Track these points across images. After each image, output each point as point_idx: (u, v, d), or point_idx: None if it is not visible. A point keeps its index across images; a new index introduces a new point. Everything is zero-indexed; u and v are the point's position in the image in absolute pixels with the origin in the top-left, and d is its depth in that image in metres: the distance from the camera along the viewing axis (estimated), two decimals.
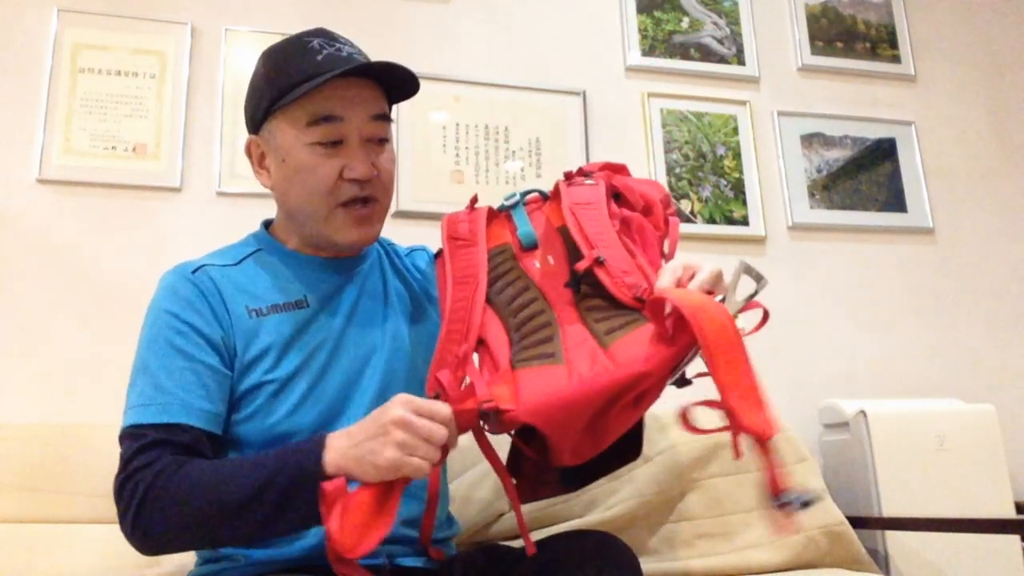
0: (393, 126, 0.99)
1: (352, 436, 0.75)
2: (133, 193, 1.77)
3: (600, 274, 0.81)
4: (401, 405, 0.73)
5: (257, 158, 0.98)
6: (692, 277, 0.77)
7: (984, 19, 2.56)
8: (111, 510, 1.37)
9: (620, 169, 1.01)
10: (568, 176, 0.96)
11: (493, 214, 0.97)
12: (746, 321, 0.76)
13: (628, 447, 0.88)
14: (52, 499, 1.36)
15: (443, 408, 0.74)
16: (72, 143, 1.76)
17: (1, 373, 1.61)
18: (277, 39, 0.98)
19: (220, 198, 1.82)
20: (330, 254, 0.99)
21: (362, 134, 0.92)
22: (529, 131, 2.06)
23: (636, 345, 0.74)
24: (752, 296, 0.76)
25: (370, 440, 0.73)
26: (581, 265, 0.82)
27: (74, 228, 1.72)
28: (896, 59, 2.43)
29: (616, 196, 0.93)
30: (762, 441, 0.70)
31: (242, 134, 1.86)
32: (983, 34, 2.54)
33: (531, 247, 0.90)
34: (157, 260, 1.74)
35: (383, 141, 0.95)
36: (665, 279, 0.78)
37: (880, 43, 2.43)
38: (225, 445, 0.89)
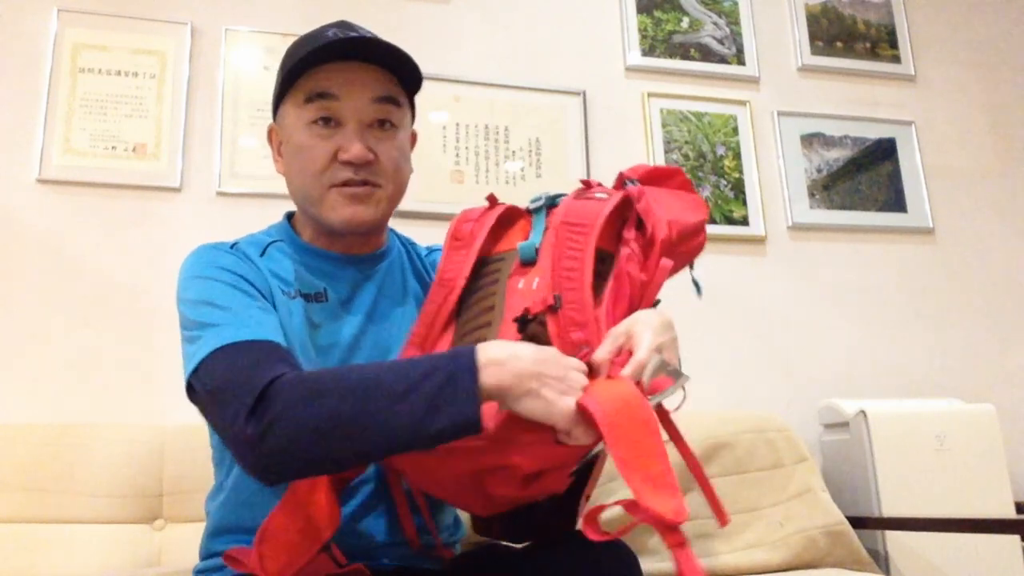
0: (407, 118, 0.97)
1: (521, 357, 0.69)
2: (133, 193, 1.77)
3: (550, 322, 0.76)
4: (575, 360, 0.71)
5: (276, 146, 0.98)
6: (631, 352, 0.74)
7: (984, 19, 2.57)
8: (111, 510, 1.39)
9: (669, 175, 0.89)
10: (586, 185, 0.90)
11: (519, 213, 0.93)
12: (670, 403, 0.74)
13: (562, 518, 0.82)
14: (52, 499, 1.36)
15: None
16: (72, 143, 1.76)
17: (1, 373, 1.61)
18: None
19: (220, 198, 1.82)
20: (343, 248, 0.97)
21: (361, 117, 0.90)
22: (529, 131, 2.06)
23: (529, 428, 0.68)
24: (673, 391, 0.73)
25: (551, 377, 0.68)
26: (533, 307, 0.77)
27: (74, 228, 1.72)
28: (896, 59, 2.43)
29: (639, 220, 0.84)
30: (670, 527, 0.63)
31: (242, 134, 1.87)
32: (983, 34, 2.54)
33: (528, 263, 0.85)
34: (157, 260, 1.74)
35: (386, 125, 0.92)
36: (606, 348, 0.74)
37: (880, 43, 2.43)
38: None
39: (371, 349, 0.94)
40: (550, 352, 0.71)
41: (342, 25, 0.94)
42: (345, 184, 0.90)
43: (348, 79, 0.89)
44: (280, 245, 0.97)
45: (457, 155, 2.00)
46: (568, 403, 0.67)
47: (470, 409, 0.66)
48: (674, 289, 2.08)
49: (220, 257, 0.89)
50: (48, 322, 1.66)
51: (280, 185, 1.95)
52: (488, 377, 0.67)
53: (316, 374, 0.73)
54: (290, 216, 1.03)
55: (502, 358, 0.69)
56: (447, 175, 1.98)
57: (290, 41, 0.97)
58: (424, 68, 2.06)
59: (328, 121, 0.90)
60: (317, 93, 0.89)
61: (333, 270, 0.96)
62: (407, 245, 1.09)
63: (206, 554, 0.93)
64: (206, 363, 0.76)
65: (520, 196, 2.01)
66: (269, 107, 1.94)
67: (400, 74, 0.94)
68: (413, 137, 1.02)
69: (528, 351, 0.70)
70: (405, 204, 1.95)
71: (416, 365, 0.70)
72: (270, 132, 1.00)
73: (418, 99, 1.01)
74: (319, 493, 0.74)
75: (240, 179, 1.83)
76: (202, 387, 0.77)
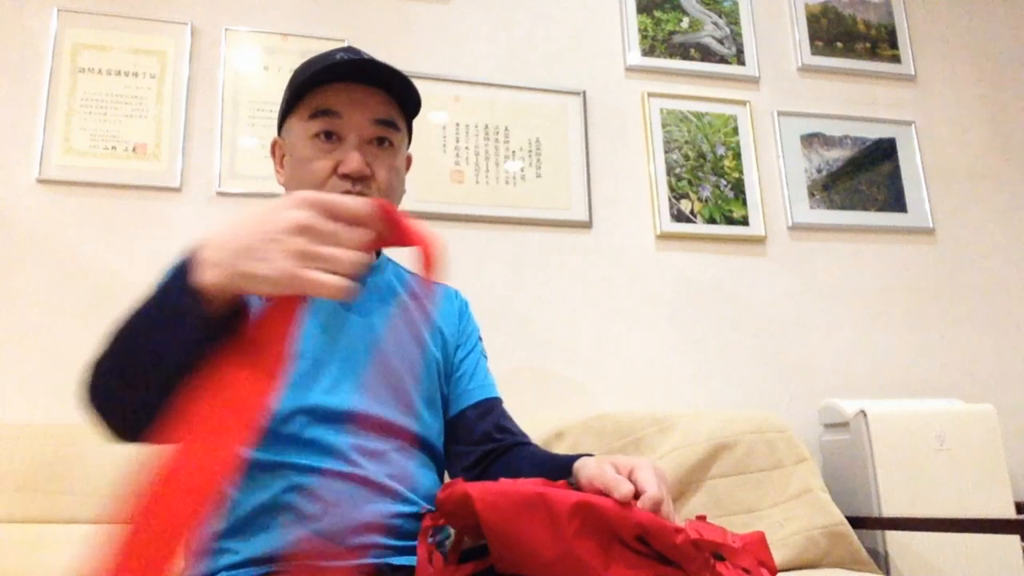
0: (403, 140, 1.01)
1: (235, 235, 0.62)
2: (133, 193, 1.77)
3: None
4: (302, 205, 0.61)
5: (279, 159, 1.03)
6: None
7: (984, 19, 2.57)
8: (111, 510, 1.38)
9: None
10: None
11: None
12: None
13: None
14: (52, 499, 1.36)
15: (361, 204, 0.63)
16: (72, 143, 1.76)
17: (1, 373, 1.61)
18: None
19: (220, 198, 1.82)
20: None
21: (361, 135, 0.95)
22: (529, 131, 2.06)
23: None
24: None
25: (258, 244, 0.60)
26: None
27: (74, 228, 1.72)
28: (896, 59, 2.43)
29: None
30: None
31: (241, 134, 1.87)
32: (983, 34, 2.54)
33: None
34: (157, 260, 1.74)
35: (385, 143, 0.97)
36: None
37: (880, 43, 2.43)
38: None
39: (325, 349, 0.94)
40: (259, 214, 0.63)
41: (349, 50, 0.99)
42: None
43: (351, 99, 0.94)
44: None
45: (457, 155, 2.00)
46: (279, 264, 0.59)
47: (197, 313, 0.62)
48: (676, 289, 2.08)
49: None
50: (48, 322, 1.66)
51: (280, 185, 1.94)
52: (206, 267, 0.62)
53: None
54: None
55: (217, 243, 0.63)
56: (447, 175, 1.98)
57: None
58: (424, 68, 2.07)
59: (330, 136, 0.94)
60: (321, 110, 0.94)
61: None
62: (408, 276, 1.09)
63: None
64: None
65: (520, 196, 2.02)
66: (269, 107, 1.95)
67: (401, 99, 0.99)
68: (408, 161, 1.06)
69: (239, 229, 0.62)
70: (405, 204, 1.95)
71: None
72: (274, 145, 1.04)
73: None
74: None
75: (240, 179, 1.83)
76: None
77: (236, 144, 1.85)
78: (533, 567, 0.68)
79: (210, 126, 1.85)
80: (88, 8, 1.84)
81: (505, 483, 0.73)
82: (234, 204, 1.82)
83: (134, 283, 1.72)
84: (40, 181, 1.72)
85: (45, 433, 1.42)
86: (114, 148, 1.78)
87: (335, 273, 0.58)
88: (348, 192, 0.92)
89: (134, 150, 1.79)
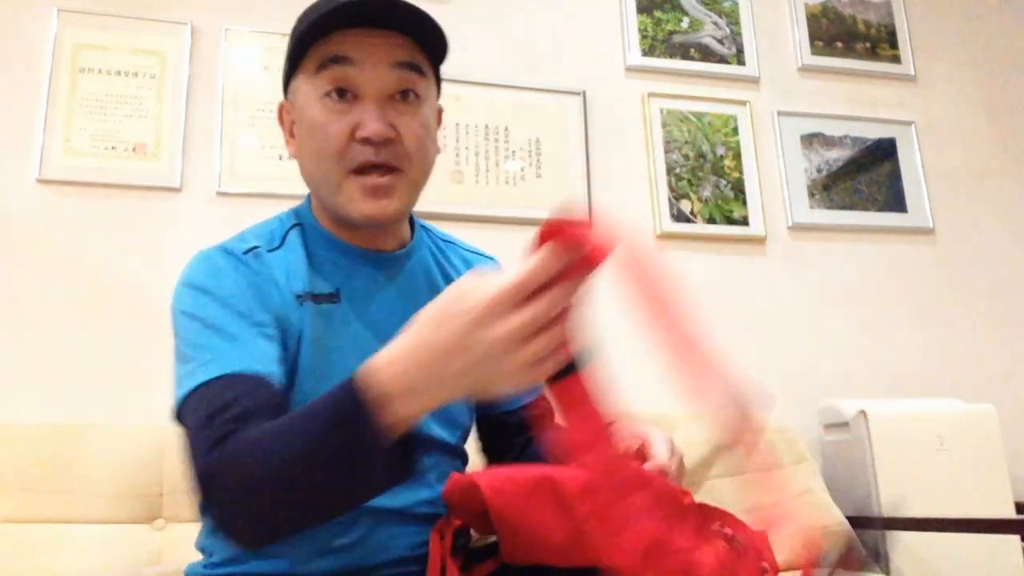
0: (428, 91, 0.85)
1: (420, 363, 0.55)
2: (133, 193, 1.77)
3: None
4: (498, 310, 0.52)
5: (288, 126, 0.89)
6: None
7: (984, 19, 2.56)
8: (111, 510, 1.39)
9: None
10: None
11: None
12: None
13: None
14: (52, 499, 1.36)
15: (547, 259, 0.54)
16: (72, 143, 1.76)
17: (1, 373, 1.61)
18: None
19: (220, 198, 1.81)
20: (362, 240, 0.87)
21: (381, 87, 0.80)
22: (529, 131, 2.06)
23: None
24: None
25: (484, 366, 0.54)
26: None
27: (74, 228, 1.72)
28: (896, 59, 2.43)
29: None
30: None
31: (242, 134, 1.86)
32: (983, 34, 2.54)
33: None
34: (157, 260, 1.74)
35: (410, 96, 0.82)
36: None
37: (880, 43, 2.43)
38: None
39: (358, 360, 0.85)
40: (430, 332, 0.56)
41: None
42: (364, 171, 0.80)
43: (365, 43, 0.79)
44: (297, 231, 0.88)
45: (457, 155, 2.00)
46: (515, 379, 0.55)
47: (392, 465, 0.58)
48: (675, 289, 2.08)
49: (226, 271, 0.80)
50: (48, 322, 1.66)
51: (281, 185, 1.95)
52: (393, 412, 0.56)
53: (240, 442, 0.65)
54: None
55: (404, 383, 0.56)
56: (447, 175, 1.98)
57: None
58: None
59: (344, 93, 0.80)
60: (330, 58, 0.79)
61: (349, 266, 0.86)
62: (441, 244, 0.98)
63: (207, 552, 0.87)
64: (190, 399, 0.72)
65: (520, 196, 2.02)
66: (269, 107, 1.95)
67: (424, 40, 0.84)
68: (439, 113, 0.92)
69: (421, 355, 0.56)
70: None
71: (311, 415, 0.61)
72: (281, 110, 0.90)
73: None
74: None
75: (240, 179, 1.83)
76: (184, 425, 0.73)
77: (236, 144, 1.85)
78: (542, 553, 0.67)
79: (210, 126, 1.85)
80: (88, 8, 1.84)
81: (510, 468, 0.72)
82: (234, 204, 1.81)
83: (134, 283, 1.72)
84: (40, 181, 1.72)
85: (45, 433, 1.42)
86: (114, 148, 1.78)
87: (559, 349, 0.56)
88: (370, 162, 0.79)
89: (134, 150, 1.79)
